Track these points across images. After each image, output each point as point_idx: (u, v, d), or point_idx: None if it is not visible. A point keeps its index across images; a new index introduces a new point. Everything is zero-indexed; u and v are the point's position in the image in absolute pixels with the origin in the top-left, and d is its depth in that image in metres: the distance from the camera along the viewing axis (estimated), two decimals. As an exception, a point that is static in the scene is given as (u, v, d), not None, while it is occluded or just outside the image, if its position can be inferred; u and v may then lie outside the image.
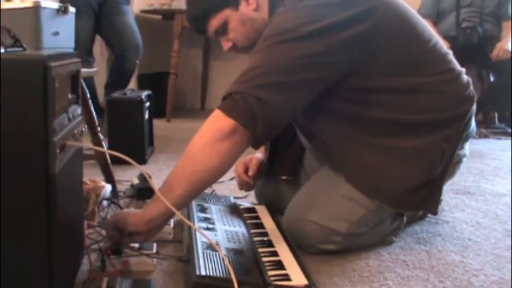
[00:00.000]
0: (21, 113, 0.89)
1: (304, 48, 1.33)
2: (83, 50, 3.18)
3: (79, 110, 1.18)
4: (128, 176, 2.08)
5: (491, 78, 3.89)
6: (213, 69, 4.72)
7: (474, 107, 1.51)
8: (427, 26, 1.49)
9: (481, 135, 3.48)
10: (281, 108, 1.33)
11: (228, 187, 2.06)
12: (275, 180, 1.76)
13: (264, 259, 1.29)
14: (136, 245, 1.36)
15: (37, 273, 0.93)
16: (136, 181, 1.89)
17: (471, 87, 1.52)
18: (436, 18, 3.78)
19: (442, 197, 1.55)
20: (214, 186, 1.86)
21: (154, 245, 1.39)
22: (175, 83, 3.93)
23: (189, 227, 1.33)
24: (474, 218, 1.80)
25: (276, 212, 1.66)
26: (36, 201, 0.91)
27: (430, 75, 1.44)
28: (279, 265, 1.28)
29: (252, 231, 1.49)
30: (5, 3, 2.03)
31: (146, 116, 2.61)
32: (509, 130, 3.73)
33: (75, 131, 1.09)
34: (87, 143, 1.66)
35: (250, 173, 1.72)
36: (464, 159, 1.59)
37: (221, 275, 1.13)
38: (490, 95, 3.71)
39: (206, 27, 1.53)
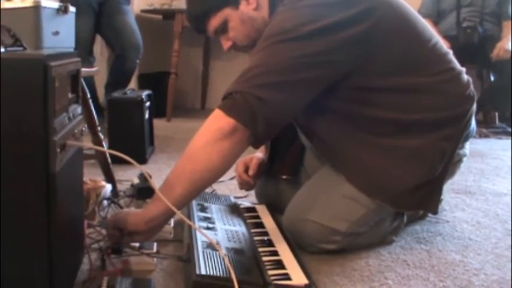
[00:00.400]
0: (22, 112, 0.89)
1: (304, 48, 1.33)
2: (83, 49, 3.18)
3: (79, 110, 1.18)
4: (128, 176, 2.08)
5: (492, 78, 3.89)
6: (213, 68, 4.72)
7: (474, 106, 1.51)
8: (427, 26, 1.49)
9: (481, 135, 3.48)
10: (281, 108, 1.34)
11: (228, 186, 2.06)
12: (275, 179, 1.76)
13: (264, 258, 1.29)
14: (137, 245, 1.36)
15: (37, 273, 0.93)
16: (136, 181, 1.89)
17: (471, 86, 1.52)
18: (437, 18, 3.77)
19: (442, 197, 1.55)
20: (215, 186, 1.85)
21: (155, 244, 1.39)
22: (176, 82, 3.93)
23: (190, 227, 1.33)
24: (474, 217, 1.80)
25: (276, 211, 1.66)
26: (36, 200, 0.90)
27: (430, 74, 1.44)
28: (279, 264, 1.28)
29: (252, 230, 1.49)
30: (5, 3, 2.03)
31: (146, 115, 2.61)
32: (510, 130, 3.73)
33: (76, 131, 1.09)
34: (87, 143, 1.67)
35: (251, 172, 1.72)
36: (465, 159, 1.59)
37: (221, 275, 1.13)
38: (490, 95, 3.71)
39: (206, 26, 1.53)
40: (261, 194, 1.81)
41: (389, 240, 1.54)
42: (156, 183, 1.35)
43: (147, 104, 2.64)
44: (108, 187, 1.73)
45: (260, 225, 1.56)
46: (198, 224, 1.43)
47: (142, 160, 2.46)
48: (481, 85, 3.91)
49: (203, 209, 1.58)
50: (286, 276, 1.22)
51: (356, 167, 1.46)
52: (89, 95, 1.85)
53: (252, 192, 1.85)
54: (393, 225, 1.55)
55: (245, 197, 1.92)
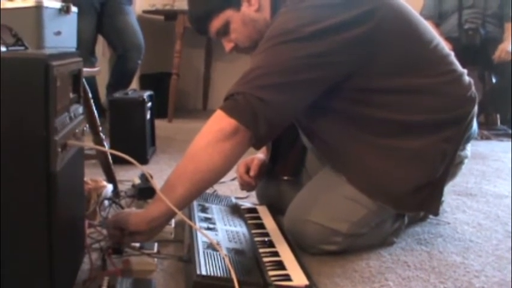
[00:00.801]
0: (23, 111, 0.89)
1: (306, 49, 1.33)
2: (85, 49, 3.18)
3: (80, 110, 1.18)
4: (129, 176, 2.08)
5: (493, 80, 3.89)
6: (215, 69, 4.73)
7: (476, 108, 1.51)
8: (428, 27, 1.49)
9: (482, 137, 3.47)
10: (283, 109, 1.34)
11: (229, 187, 2.06)
12: (277, 180, 1.76)
13: (265, 259, 1.29)
14: (138, 245, 1.36)
15: (37, 273, 0.93)
16: (137, 181, 1.89)
17: (473, 88, 1.52)
18: (438, 20, 3.77)
19: (443, 198, 1.55)
20: (216, 187, 1.85)
21: (156, 244, 1.39)
22: (177, 83, 3.94)
23: (190, 227, 1.33)
24: (475, 219, 1.79)
25: (277, 212, 1.66)
26: (37, 200, 0.90)
27: (432, 76, 1.44)
28: (280, 265, 1.28)
29: (253, 231, 1.49)
30: (6, 3, 2.03)
31: (148, 116, 2.61)
32: (511, 132, 3.72)
33: (77, 130, 1.09)
34: (88, 143, 1.67)
35: (252, 173, 1.72)
36: (466, 161, 1.59)
37: (222, 275, 1.13)
38: (492, 97, 3.71)
39: (208, 27, 1.53)
40: (262, 195, 1.81)
41: (390, 241, 1.54)
42: (157, 183, 1.35)
43: (149, 104, 2.64)
44: (109, 187, 1.73)
45: (261, 226, 1.56)
46: (198, 224, 1.43)
47: (143, 160, 2.47)
48: (482, 87, 3.90)
49: (204, 209, 1.58)
50: (287, 277, 1.22)
51: (357, 168, 1.46)
52: (90, 95, 1.85)
53: (253, 193, 1.85)
54: (394, 226, 1.54)
55: (246, 197, 1.92)
